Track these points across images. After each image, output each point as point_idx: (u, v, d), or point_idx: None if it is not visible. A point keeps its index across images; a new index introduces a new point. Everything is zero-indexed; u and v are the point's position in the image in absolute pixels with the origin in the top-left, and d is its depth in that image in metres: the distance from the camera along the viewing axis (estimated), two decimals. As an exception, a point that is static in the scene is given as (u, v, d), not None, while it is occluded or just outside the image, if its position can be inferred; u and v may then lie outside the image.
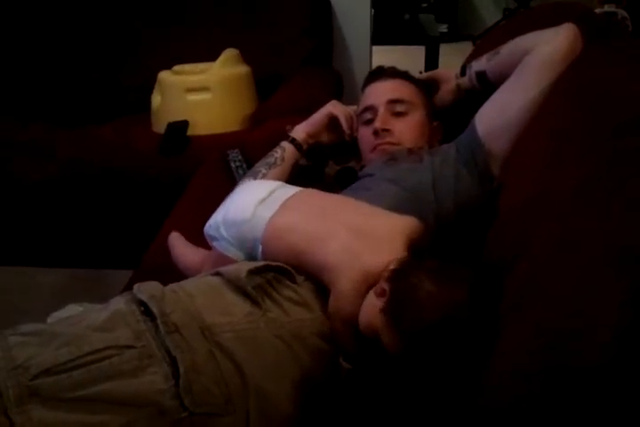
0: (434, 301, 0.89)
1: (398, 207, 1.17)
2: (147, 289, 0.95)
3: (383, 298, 0.93)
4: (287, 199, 1.09)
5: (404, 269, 0.94)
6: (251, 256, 1.09)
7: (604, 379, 0.57)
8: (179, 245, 1.31)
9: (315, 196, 1.14)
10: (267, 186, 1.16)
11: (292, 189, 1.14)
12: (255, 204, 1.09)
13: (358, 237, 1.01)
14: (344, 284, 0.96)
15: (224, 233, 1.11)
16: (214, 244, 1.14)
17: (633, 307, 0.58)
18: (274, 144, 1.52)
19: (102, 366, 0.83)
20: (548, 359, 0.65)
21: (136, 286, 0.97)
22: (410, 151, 1.36)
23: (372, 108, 1.45)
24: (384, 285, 0.94)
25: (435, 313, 0.88)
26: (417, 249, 1.01)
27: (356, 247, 0.99)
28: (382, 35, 3.27)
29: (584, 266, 0.69)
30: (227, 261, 1.10)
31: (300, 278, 1.01)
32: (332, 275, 0.98)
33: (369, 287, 0.96)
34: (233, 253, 1.11)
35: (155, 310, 0.90)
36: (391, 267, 0.96)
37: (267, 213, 1.07)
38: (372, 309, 0.94)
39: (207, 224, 1.15)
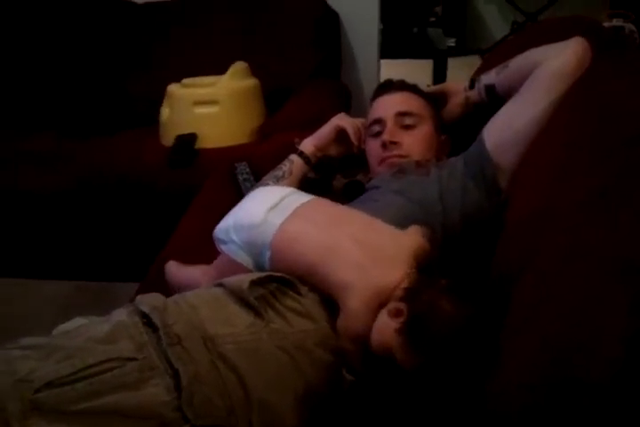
0: (451, 321, 0.90)
1: (404, 218, 1.17)
2: (149, 301, 0.95)
3: (399, 318, 0.92)
4: (299, 207, 1.09)
5: (417, 288, 0.94)
6: (259, 261, 1.08)
7: (609, 392, 0.56)
8: (173, 270, 1.29)
9: (326, 205, 1.14)
10: (278, 192, 1.16)
11: (304, 197, 1.13)
12: (266, 209, 1.08)
13: (369, 253, 1.00)
14: (355, 302, 0.95)
15: (234, 237, 1.10)
16: (223, 247, 1.13)
17: (639, 320, 0.57)
18: (282, 157, 1.52)
19: (105, 378, 0.83)
20: (553, 372, 0.65)
21: (138, 298, 0.97)
22: (417, 164, 1.36)
23: (380, 121, 1.45)
24: (399, 305, 0.93)
25: (451, 332, 0.89)
26: (424, 267, 1.01)
27: (367, 264, 0.99)
28: (390, 48, 3.28)
29: (590, 278, 0.69)
30: (234, 266, 1.09)
31: (303, 289, 1.01)
32: (342, 292, 0.97)
33: (380, 306, 0.96)
34: (241, 257, 1.09)
35: (157, 321, 0.90)
36: (403, 286, 0.95)
37: (277, 219, 1.06)
38: (385, 329, 0.93)
39: (217, 227, 1.15)
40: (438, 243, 1.14)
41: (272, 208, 1.08)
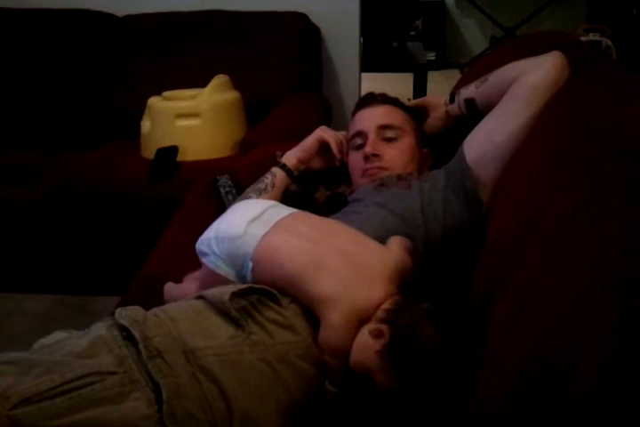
0: (431, 344, 0.91)
1: (386, 231, 1.18)
2: (128, 314, 0.94)
3: (380, 340, 0.92)
4: (282, 219, 1.09)
5: (399, 310, 0.94)
6: (240, 273, 1.08)
7: (590, 408, 0.56)
8: (171, 291, 1.27)
9: (309, 218, 1.14)
10: (260, 204, 1.16)
11: (286, 210, 1.13)
12: (248, 220, 1.08)
13: (352, 268, 1.00)
14: (336, 318, 0.95)
15: (215, 249, 1.09)
16: (204, 259, 1.12)
17: (621, 333, 0.57)
18: (263, 170, 1.52)
19: (85, 392, 0.82)
20: (533, 389, 0.65)
21: (117, 311, 0.96)
22: (399, 177, 1.36)
23: (362, 134, 1.46)
24: (380, 326, 0.93)
25: (431, 356, 0.90)
26: (406, 285, 1.01)
27: (349, 279, 0.98)
28: (371, 62, 3.30)
29: (572, 291, 0.69)
30: (216, 278, 1.09)
31: (285, 301, 1.00)
32: (323, 306, 0.96)
33: (360, 322, 0.96)
34: (223, 269, 1.09)
35: (136, 334, 0.90)
36: (385, 306, 0.95)
37: (259, 230, 1.06)
38: (366, 348, 0.93)
39: (199, 240, 1.14)
40: (419, 255, 1.14)
41: (254, 220, 1.08)
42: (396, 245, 1.09)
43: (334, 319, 0.95)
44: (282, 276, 1.02)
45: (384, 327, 0.93)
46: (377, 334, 0.93)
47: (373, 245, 1.07)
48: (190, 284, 1.24)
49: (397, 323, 0.93)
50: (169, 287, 1.27)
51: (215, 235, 1.11)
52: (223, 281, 1.08)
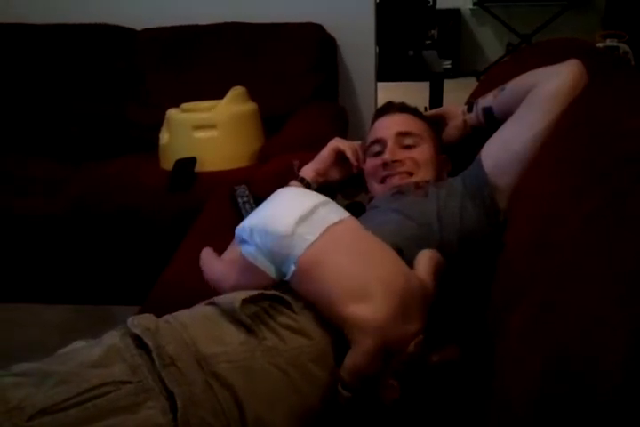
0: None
1: (401, 235, 1.18)
2: (140, 322, 0.94)
3: (392, 394, 0.94)
4: (333, 226, 1.03)
5: (418, 358, 0.96)
6: (281, 270, 1.05)
7: (612, 416, 0.56)
8: (210, 260, 1.24)
9: (359, 231, 1.08)
10: (310, 200, 1.09)
11: (336, 213, 1.08)
12: (297, 219, 1.02)
13: (394, 300, 0.96)
14: (369, 345, 0.93)
15: (257, 240, 1.05)
16: (243, 247, 1.08)
17: (637, 345, 0.57)
18: (281, 179, 1.52)
19: (100, 403, 0.82)
20: (549, 399, 0.64)
21: (130, 320, 0.96)
22: (416, 186, 1.36)
23: (381, 141, 1.47)
24: (394, 382, 0.95)
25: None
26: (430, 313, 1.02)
27: (389, 312, 0.95)
28: (387, 71, 3.31)
29: (591, 298, 0.69)
30: (254, 271, 1.06)
31: (297, 306, 1.00)
32: (357, 331, 0.94)
33: (388, 348, 0.95)
34: (262, 263, 1.05)
35: (149, 343, 0.90)
36: (411, 348, 0.95)
37: (309, 235, 1.01)
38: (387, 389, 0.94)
39: (241, 225, 1.09)
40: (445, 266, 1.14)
41: (303, 219, 1.03)
42: (426, 265, 1.07)
43: (368, 346, 0.93)
44: (321, 291, 0.99)
45: (396, 384, 0.94)
46: (390, 387, 0.94)
47: (415, 278, 1.04)
48: (225, 265, 1.20)
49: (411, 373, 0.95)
50: (207, 255, 1.24)
51: (259, 226, 1.06)
52: (261, 275, 1.05)
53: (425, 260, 1.09)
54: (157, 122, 2.46)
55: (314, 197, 1.10)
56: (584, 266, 0.74)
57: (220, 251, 1.27)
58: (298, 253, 1.00)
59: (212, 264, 1.22)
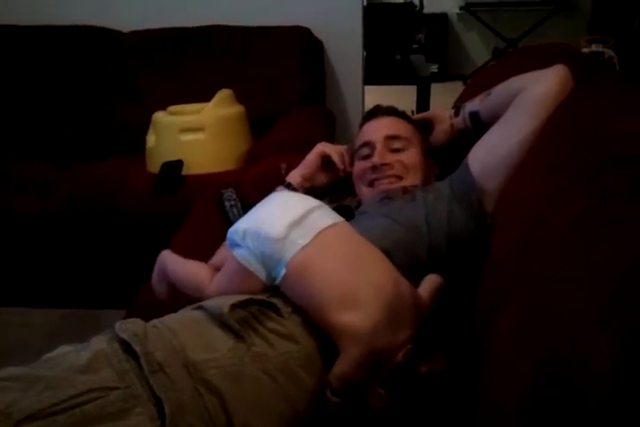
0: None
1: (389, 239, 1.17)
2: (128, 327, 0.93)
3: (379, 402, 0.93)
4: (324, 231, 1.03)
5: (405, 368, 0.95)
6: (271, 274, 1.04)
7: (602, 421, 0.56)
8: (174, 260, 1.24)
9: (351, 237, 1.07)
10: (303, 204, 1.08)
11: (329, 217, 1.07)
12: (289, 223, 1.02)
13: (384, 308, 0.96)
14: (357, 353, 0.93)
15: (249, 243, 1.04)
16: (235, 250, 1.07)
17: (629, 346, 0.57)
18: (268, 183, 1.52)
19: (87, 409, 0.81)
20: (536, 405, 0.64)
21: (117, 325, 0.95)
22: (404, 190, 1.36)
23: (369, 144, 1.47)
24: (381, 391, 0.94)
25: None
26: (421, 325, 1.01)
27: (379, 320, 0.95)
28: (374, 75, 3.32)
29: (579, 302, 0.69)
30: (244, 274, 1.05)
31: (286, 311, 0.99)
32: (346, 338, 0.94)
33: (376, 356, 0.94)
34: (254, 266, 1.04)
35: (137, 349, 0.88)
36: (399, 358, 0.95)
37: (301, 239, 1.00)
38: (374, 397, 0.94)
39: (233, 228, 1.08)
40: (423, 265, 1.14)
41: (295, 224, 1.02)
42: (426, 286, 1.06)
43: (356, 354, 0.93)
44: (311, 296, 0.98)
45: (383, 393, 0.93)
46: (377, 396, 0.94)
47: (410, 288, 1.03)
48: (197, 264, 1.21)
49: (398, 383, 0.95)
50: (171, 256, 1.25)
51: (252, 229, 1.05)
52: (252, 279, 1.04)
53: (426, 281, 1.08)
54: (145, 125, 2.46)
55: (307, 201, 1.09)
56: (572, 268, 0.75)
57: (207, 254, 1.26)
58: (289, 257, 1.00)
59: (183, 265, 1.22)
